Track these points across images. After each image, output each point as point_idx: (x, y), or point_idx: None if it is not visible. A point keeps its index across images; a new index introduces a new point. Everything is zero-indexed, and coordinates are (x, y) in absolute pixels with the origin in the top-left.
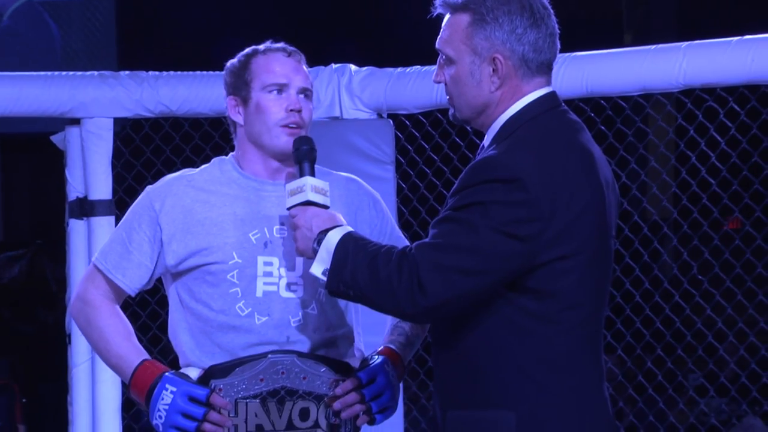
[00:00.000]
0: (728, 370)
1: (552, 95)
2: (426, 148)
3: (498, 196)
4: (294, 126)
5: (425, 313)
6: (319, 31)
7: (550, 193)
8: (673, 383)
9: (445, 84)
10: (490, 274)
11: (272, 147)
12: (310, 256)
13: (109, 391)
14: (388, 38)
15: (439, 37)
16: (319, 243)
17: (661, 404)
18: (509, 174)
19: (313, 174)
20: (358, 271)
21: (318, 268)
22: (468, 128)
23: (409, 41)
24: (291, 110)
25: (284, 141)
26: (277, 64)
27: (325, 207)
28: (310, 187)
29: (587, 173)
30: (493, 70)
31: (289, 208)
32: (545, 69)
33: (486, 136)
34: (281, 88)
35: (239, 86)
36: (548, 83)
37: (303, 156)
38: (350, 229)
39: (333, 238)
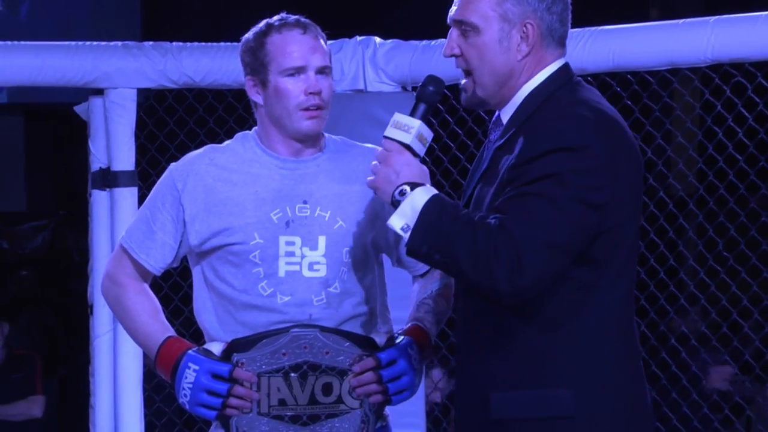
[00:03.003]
0: (752, 347)
1: (568, 66)
2: (450, 121)
3: (570, 164)
4: (314, 108)
5: (520, 292)
6: (341, 3)
7: (612, 157)
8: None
9: (463, 57)
10: (576, 247)
11: (293, 130)
12: (385, 199)
13: (131, 362)
14: (412, 11)
15: (456, 6)
16: (402, 194)
17: (684, 381)
18: (576, 141)
19: (426, 120)
20: (457, 240)
21: (398, 222)
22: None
23: (433, 14)
24: (310, 93)
25: (305, 125)
26: (293, 45)
27: (418, 156)
28: (416, 132)
29: (631, 139)
30: (521, 37)
31: (385, 137)
32: (563, 42)
33: (502, 113)
34: (299, 71)
35: (257, 68)
36: (564, 55)
37: (426, 97)
38: (436, 191)
39: (420, 195)
